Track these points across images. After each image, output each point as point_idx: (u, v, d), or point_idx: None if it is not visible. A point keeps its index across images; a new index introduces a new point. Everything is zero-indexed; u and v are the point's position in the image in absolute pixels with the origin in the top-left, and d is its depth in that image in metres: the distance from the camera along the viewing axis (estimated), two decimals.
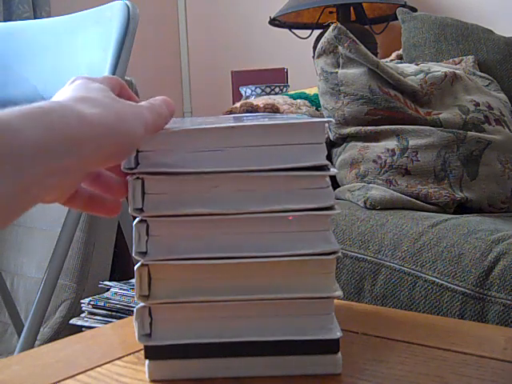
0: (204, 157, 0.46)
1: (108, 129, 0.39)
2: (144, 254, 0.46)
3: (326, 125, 1.33)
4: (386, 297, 1.00)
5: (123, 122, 0.40)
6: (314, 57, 1.42)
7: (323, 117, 1.40)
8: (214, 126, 0.46)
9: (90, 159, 0.38)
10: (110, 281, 1.47)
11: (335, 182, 1.32)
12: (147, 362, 0.47)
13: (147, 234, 0.46)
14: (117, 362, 0.51)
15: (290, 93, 1.63)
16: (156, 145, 0.46)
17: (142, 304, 0.46)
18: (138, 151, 0.45)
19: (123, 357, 0.52)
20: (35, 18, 2.09)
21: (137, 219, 0.47)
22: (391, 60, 1.73)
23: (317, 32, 2.08)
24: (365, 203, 1.16)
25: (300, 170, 0.46)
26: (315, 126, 0.47)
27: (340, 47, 1.30)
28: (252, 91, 1.92)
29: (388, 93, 1.26)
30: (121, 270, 1.81)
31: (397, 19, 1.78)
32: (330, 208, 0.47)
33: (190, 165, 0.46)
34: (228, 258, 0.46)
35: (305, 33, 2.16)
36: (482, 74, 1.53)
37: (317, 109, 1.52)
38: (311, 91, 1.59)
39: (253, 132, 0.46)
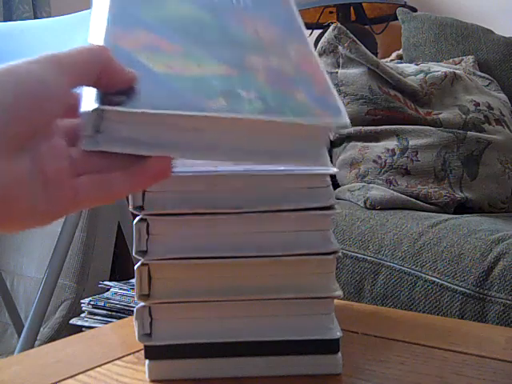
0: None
1: None
2: (144, 252, 0.46)
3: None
4: (386, 297, 1.00)
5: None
6: None
7: None
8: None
9: None
10: (110, 281, 1.47)
11: (335, 182, 1.32)
12: (147, 361, 0.47)
13: (147, 232, 0.46)
14: (117, 361, 0.51)
15: None
16: None
17: (142, 304, 0.46)
18: None
19: (123, 357, 0.52)
20: (35, 17, 2.08)
21: (137, 218, 0.47)
22: (391, 60, 1.73)
23: (317, 32, 2.08)
24: (365, 203, 1.16)
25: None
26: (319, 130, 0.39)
27: (340, 47, 1.30)
28: None
29: (388, 93, 1.26)
30: (121, 269, 1.81)
31: (397, 19, 1.78)
32: (330, 208, 0.47)
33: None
34: (228, 258, 0.46)
35: None
36: (482, 74, 1.53)
37: None
38: None
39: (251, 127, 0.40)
